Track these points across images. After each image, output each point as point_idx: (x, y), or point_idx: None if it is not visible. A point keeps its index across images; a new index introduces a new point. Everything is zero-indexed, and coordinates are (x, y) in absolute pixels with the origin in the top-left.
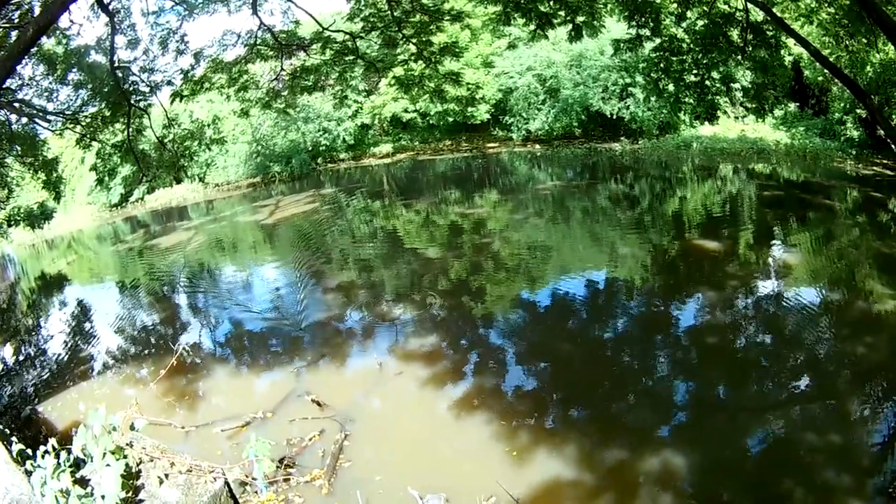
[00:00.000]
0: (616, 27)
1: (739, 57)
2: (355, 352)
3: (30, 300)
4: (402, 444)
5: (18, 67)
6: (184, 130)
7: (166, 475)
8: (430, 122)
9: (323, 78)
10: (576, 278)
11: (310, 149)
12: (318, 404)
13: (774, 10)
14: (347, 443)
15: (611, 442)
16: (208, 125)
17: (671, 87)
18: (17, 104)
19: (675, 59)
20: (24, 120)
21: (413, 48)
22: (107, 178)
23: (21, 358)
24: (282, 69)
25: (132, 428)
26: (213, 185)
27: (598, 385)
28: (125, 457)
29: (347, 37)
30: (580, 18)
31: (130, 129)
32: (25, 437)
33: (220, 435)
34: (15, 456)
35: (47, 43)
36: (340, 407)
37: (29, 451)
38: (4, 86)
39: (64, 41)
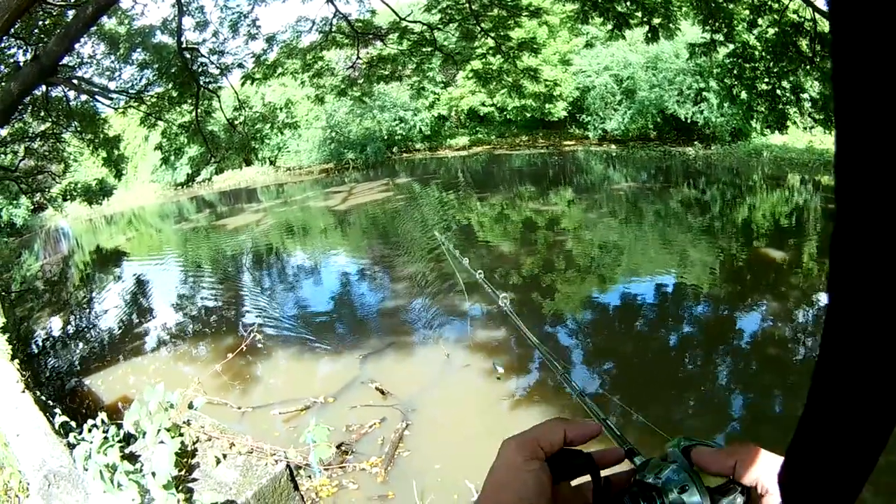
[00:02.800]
0: (691, 31)
1: (808, 67)
2: (423, 342)
3: (83, 273)
4: (462, 437)
5: (77, 46)
6: (255, 113)
7: (224, 455)
8: (508, 116)
9: (400, 68)
10: (645, 280)
11: (385, 137)
12: (382, 392)
13: None
14: (408, 432)
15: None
16: (281, 109)
17: (744, 94)
18: (75, 81)
19: (747, 65)
20: (84, 97)
21: (491, 42)
22: (172, 158)
23: (70, 330)
24: (358, 57)
25: (191, 406)
26: (284, 169)
27: (660, 389)
28: (181, 434)
29: (425, 28)
30: (656, 20)
31: (199, 111)
32: (69, 409)
33: (277, 417)
34: (57, 428)
35: (108, 23)
36: (404, 396)
37: (72, 423)
38: (62, 63)
39: (126, 21)
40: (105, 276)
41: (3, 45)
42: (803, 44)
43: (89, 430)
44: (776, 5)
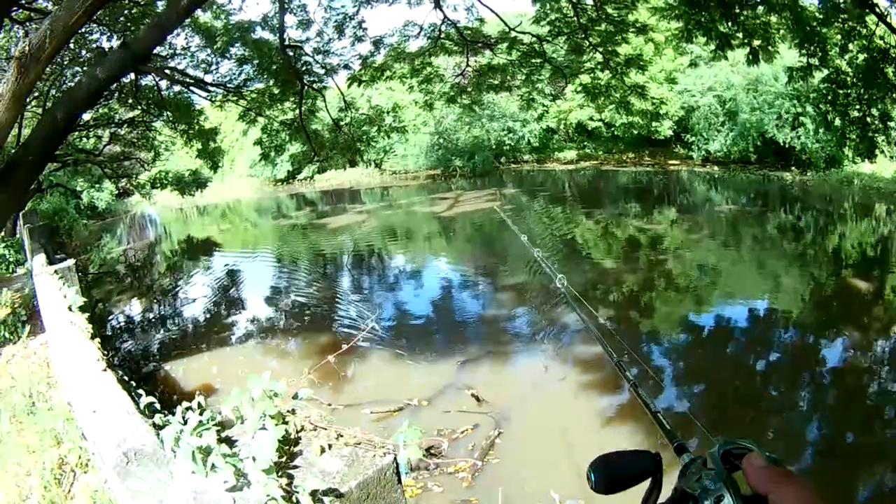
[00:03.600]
0: (788, 54)
1: (895, 95)
2: (521, 352)
3: (170, 261)
4: (552, 449)
5: (170, 37)
6: (361, 115)
7: (329, 445)
8: (615, 132)
9: (509, 78)
10: (738, 304)
11: (493, 147)
12: (477, 399)
13: None
14: (499, 440)
15: None
16: (388, 112)
17: (837, 121)
18: (167, 70)
19: (840, 91)
20: (177, 88)
21: (599, 57)
22: (273, 154)
23: (151, 316)
24: (467, 65)
25: (295, 397)
26: (390, 172)
27: (741, 411)
28: (285, 422)
29: (534, 39)
30: (756, 42)
31: (303, 109)
32: (145, 393)
33: (368, 416)
34: (142, 408)
35: (203, 16)
36: (499, 404)
37: (158, 405)
38: (154, 53)
39: (223, 16)
40: (194, 266)
41: (85, 30)
42: (889, 71)
43: (184, 412)
44: (864, 31)
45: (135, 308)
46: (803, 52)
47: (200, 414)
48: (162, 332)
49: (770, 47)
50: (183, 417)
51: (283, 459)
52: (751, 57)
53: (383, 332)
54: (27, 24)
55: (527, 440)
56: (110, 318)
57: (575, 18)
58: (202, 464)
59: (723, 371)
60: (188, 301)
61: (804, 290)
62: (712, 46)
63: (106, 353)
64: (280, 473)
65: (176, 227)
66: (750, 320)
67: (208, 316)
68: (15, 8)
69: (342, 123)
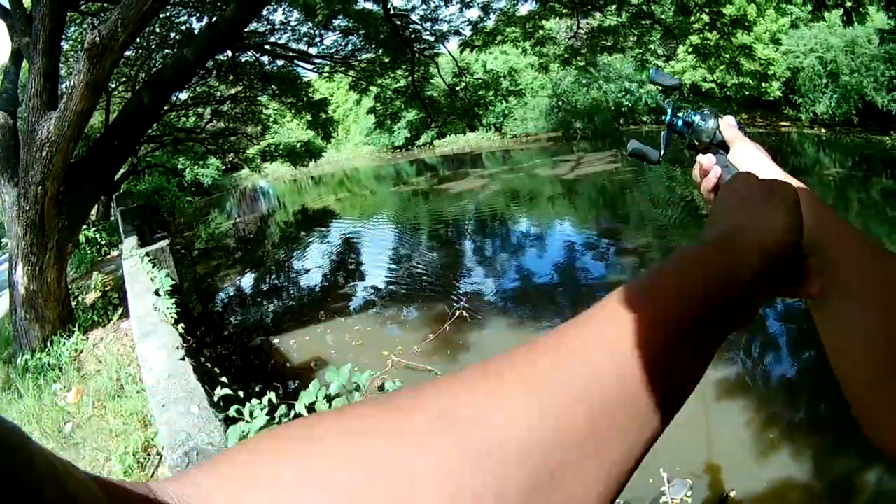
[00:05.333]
0: (878, 16)
1: None
2: None
3: (284, 232)
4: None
5: (266, 13)
6: (477, 80)
7: None
8: (728, 93)
9: (621, 39)
10: None
11: (612, 108)
12: None
13: None
14: None
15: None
16: (504, 76)
17: None
18: (267, 46)
19: None
20: (281, 62)
21: (706, 17)
22: (389, 122)
23: (263, 287)
24: (578, 27)
25: (381, 389)
26: (510, 136)
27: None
28: None
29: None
30: (849, 3)
31: (415, 76)
32: (250, 367)
33: None
34: (216, 400)
35: None
36: None
37: (240, 394)
38: (250, 29)
39: None
40: (308, 236)
41: (170, 13)
42: None
43: (251, 412)
44: None
45: (245, 281)
46: (890, 13)
47: (272, 412)
48: (275, 303)
49: (861, 9)
50: (251, 413)
51: None
52: (845, 18)
53: (505, 298)
54: (100, 14)
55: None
56: (219, 292)
57: None
58: None
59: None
60: (302, 272)
61: None
62: (809, 7)
63: (189, 339)
64: None
65: (290, 198)
66: None
67: (324, 286)
68: (84, 1)
69: (458, 89)
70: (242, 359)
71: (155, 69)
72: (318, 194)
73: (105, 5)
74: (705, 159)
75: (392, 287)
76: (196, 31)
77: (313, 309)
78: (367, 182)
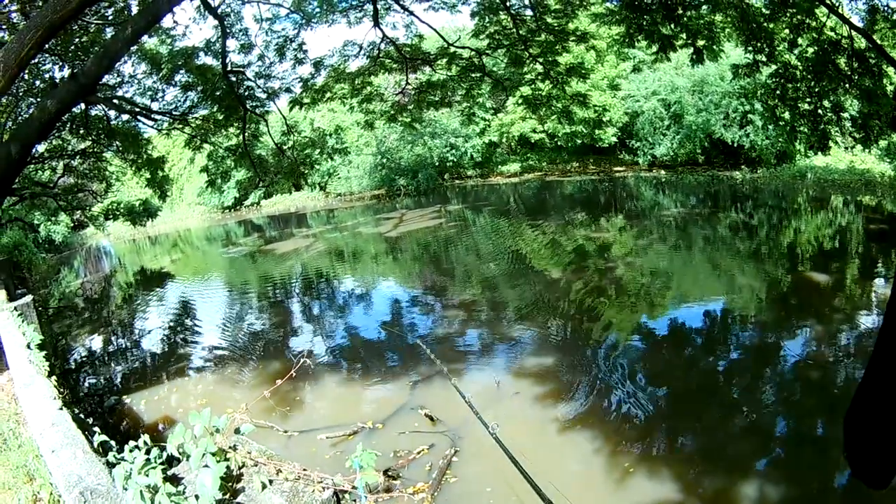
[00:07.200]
0: (734, 52)
1: (847, 85)
2: (473, 369)
3: (126, 293)
4: (510, 464)
5: (118, 65)
6: (304, 138)
7: (270, 481)
8: (559, 143)
9: (449, 94)
10: (693, 307)
11: (436, 164)
12: (431, 419)
13: (875, 37)
14: (456, 459)
15: (712, 471)
16: (330, 134)
17: (787, 115)
18: (116, 101)
19: (790, 85)
20: (125, 117)
21: (540, 67)
22: (219, 181)
23: (111, 349)
24: (407, 82)
25: (237, 432)
26: (334, 195)
27: (705, 413)
28: (227, 459)
29: (473, 53)
30: (700, 42)
31: (246, 134)
32: (107, 427)
33: (324, 442)
34: (96, 447)
35: (150, 42)
36: (453, 423)
37: (112, 443)
38: (101, 82)
39: (168, 41)
40: (149, 297)
41: (38, 60)
42: (841, 62)
43: (130, 451)
44: (814, 23)
45: (95, 342)
46: (749, 49)
47: (147, 453)
48: (122, 364)
49: (715, 46)
50: (130, 455)
51: (227, 496)
52: (695, 57)
53: (336, 355)
54: None
55: (484, 457)
56: (72, 352)
57: (514, 30)
58: (150, 502)
59: (683, 374)
60: (145, 332)
61: (761, 288)
62: (654, 49)
63: (62, 391)
64: None
65: (130, 259)
66: (707, 322)
67: (166, 347)
68: None
69: (285, 147)
70: (100, 420)
71: (21, 118)
72: (155, 255)
73: None
74: None
75: (227, 348)
76: (58, 81)
77: (157, 370)
78: (199, 243)
